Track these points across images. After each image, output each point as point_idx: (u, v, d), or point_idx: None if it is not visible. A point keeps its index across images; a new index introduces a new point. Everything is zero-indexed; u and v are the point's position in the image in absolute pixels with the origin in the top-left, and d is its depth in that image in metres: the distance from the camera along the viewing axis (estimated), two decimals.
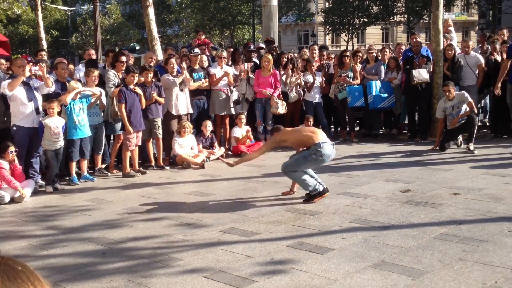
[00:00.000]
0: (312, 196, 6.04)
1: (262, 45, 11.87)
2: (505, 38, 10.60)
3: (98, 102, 7.93)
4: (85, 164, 7.79)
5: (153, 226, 5.36)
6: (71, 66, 9.40)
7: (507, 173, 6.94)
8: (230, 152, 9.45)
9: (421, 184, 6.59)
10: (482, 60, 10.14)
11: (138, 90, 7.96)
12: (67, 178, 7.74)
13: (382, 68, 10.63)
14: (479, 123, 10.93)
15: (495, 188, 6.21)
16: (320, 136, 6.06)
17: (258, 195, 6.45)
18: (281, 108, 9.71)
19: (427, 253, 4.22)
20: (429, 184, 6.57)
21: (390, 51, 12.04)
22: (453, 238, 4.53)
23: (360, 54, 10.98)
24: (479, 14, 42.75)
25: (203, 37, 12.58)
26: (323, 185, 6.13)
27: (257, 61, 10.63)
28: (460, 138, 9.19)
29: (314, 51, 11.35)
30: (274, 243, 4.66)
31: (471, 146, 8.61)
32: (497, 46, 10.22)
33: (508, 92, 9.21)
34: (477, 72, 10.11)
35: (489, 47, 10.64)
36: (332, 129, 11.37)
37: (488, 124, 10.91)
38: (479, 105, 10.68)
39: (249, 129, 9.63)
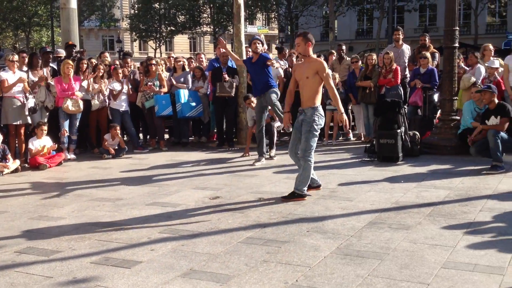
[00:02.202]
0: (294, 194, 6.13)
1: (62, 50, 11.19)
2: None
3: None
4: None
5: None
6: None
7: None
8: (26, 165, 8.66)
9: (229, 190, 6.75)
10: (281, 71, 10.84)
11: None
12: None
13: (189, 77, 10.74)
14: (282, 131, 11.65)
15: None
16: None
17: (59, 211, 5.97)
18: (71, 106, 9.15)
19: (234, 258, 4.29)
20: (236, 190, 6.76)
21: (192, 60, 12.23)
22: (258, 241, 4.69)
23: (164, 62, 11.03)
24: (279, 28, 46.06)
25: None
26: (317, 182, 6.51)
27: (55, 67, 9.93)
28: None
29: (106, 58, 11.08)
30: (77, 260, 4.33)
31: (272, 152, 9.11)
32: (294, 60, 11.00)
33: None
34: (277, 82, 10.76)
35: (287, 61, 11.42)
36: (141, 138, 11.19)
37: (288, 131, 11.67)
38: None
39: (53, 142, 8.94)
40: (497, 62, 9.42)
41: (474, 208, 5.56)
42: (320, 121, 6.13)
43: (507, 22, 41.90)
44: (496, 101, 7.73)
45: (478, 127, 7.73)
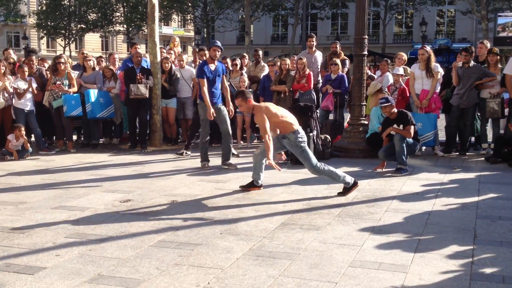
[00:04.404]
0: (348, 188, 6.43)
1: None
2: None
3: None
4: None
5: None
6: None
7: (219, 179, 7.45)
8: None
9: (141, 193, 6.60)
10: (195, 73, 10.76)
11: None
12: None
13: (100, 77, 10.40)
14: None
15: (209, 193, 6.59)
16: (295, 122, 6.43)
17: None
18: None
19: (145, 262, 4.19)
20: (149, 193, 6.61)
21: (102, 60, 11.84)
22: (170, 245, 4.61)
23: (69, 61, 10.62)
24: (195, 30, 45.84)
25: None
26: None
27: None
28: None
29: (9, 54, 10.51)
30: None
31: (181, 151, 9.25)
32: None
33: None
34: (192, 85, 10.70)
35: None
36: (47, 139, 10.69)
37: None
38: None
39: None
40: (401, 70, 9.90)
41: (380, 209, 5.80)
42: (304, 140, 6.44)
43: (413, 32, 44.40)
44: (396, 110, 8.02)
45: (389, 129, 7.96)
